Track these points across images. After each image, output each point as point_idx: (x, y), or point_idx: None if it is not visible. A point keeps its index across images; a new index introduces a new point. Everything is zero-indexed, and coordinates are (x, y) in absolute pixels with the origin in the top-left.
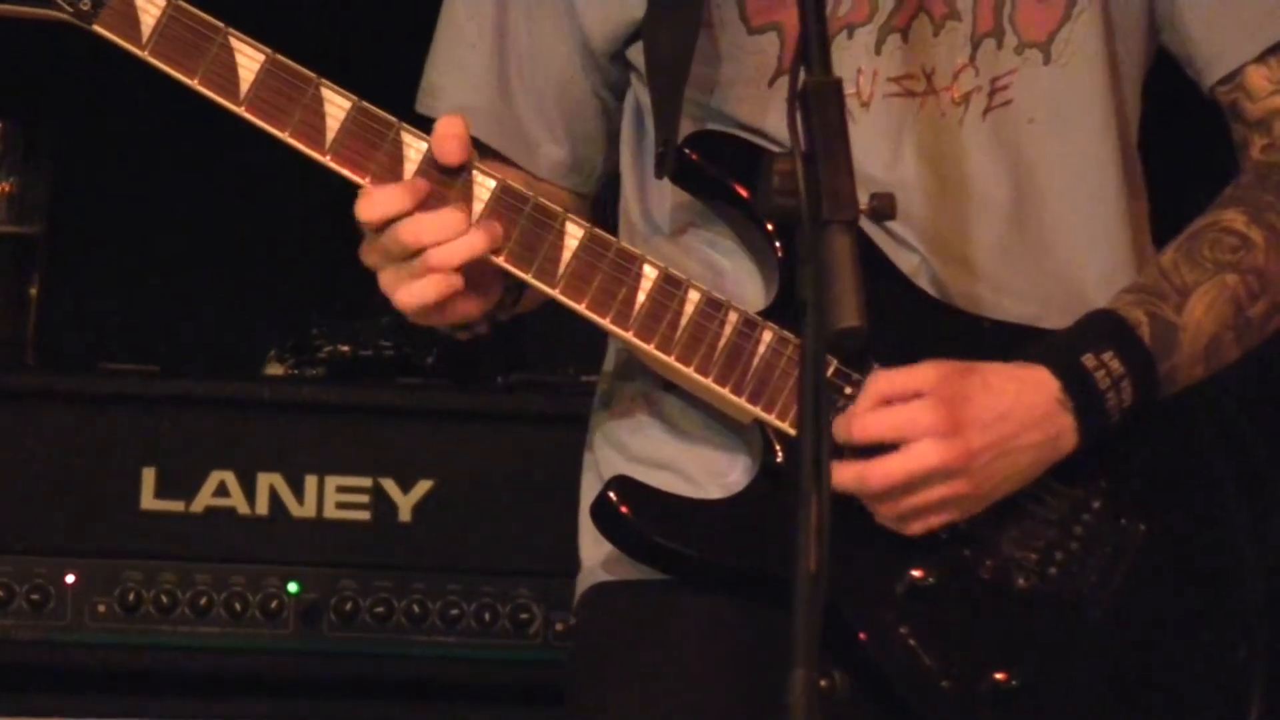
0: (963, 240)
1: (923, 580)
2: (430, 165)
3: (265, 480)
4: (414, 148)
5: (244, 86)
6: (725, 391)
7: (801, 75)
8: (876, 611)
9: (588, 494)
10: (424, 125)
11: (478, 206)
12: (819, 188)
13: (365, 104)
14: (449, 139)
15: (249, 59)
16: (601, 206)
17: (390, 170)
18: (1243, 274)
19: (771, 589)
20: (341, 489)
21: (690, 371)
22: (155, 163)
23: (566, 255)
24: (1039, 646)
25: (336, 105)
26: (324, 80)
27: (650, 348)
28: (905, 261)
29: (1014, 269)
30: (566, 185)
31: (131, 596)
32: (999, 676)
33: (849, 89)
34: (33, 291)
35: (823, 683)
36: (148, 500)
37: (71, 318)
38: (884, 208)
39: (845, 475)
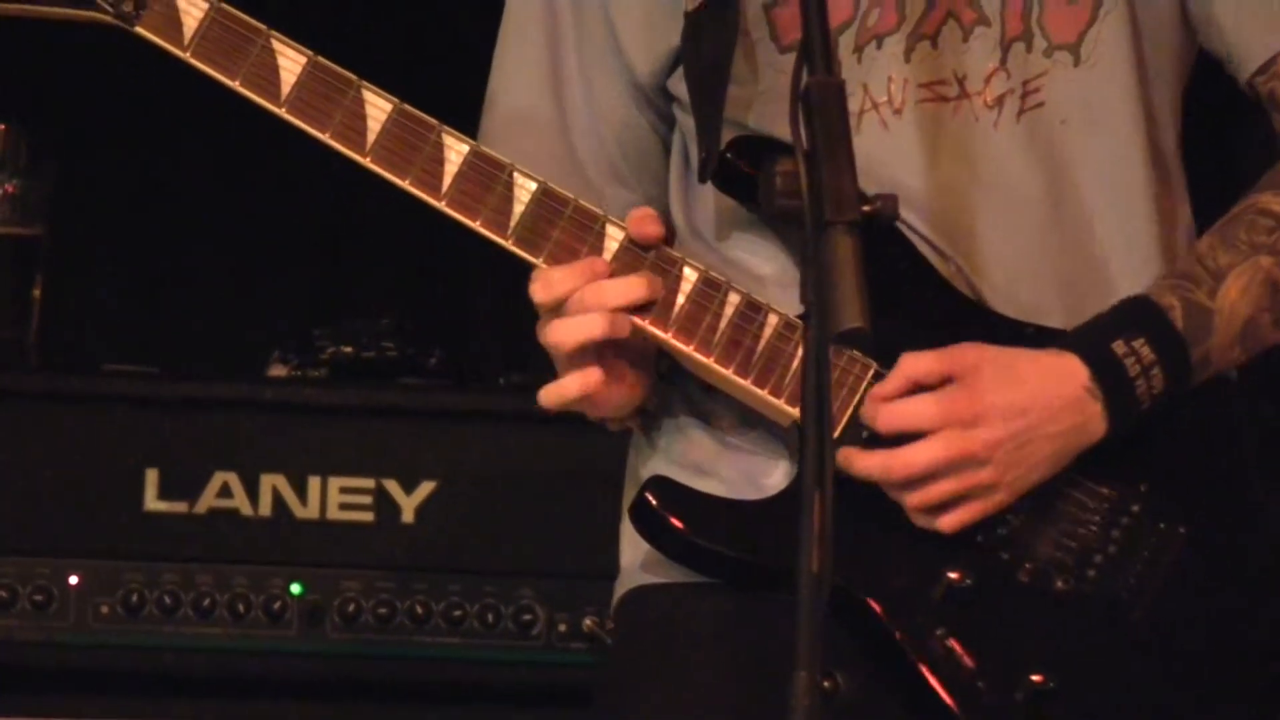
0: (1002, 243)
1: (960, 582)
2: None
3: (268, 481)
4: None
5: (285, 88)
6: (764, 394)
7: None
8: (914, 613)
9: (629, 497)
10: (463, 127)
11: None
12: (821, 189)
13: (406, 106)
14: (649, 219)
15: (291, 61)
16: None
17: (431, 172)
18: (1278, 256)
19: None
20: (344, 490)
21: (729, 374)
22: (158, 165)
23: (606, 258)
24: (1076, 649)
25: (378, 108)
26: (365, 83)
27: (690, 350)
28: (944, 267)
29: (1052, 269)
30: None
31: (134, 598)
32: (1036, 679)
33: (880, 98)
34: (35, 293)
35: (825, 684)
36: (151, 501)
37: (74, 319)
38: (887, 209)
39: (870, 463)
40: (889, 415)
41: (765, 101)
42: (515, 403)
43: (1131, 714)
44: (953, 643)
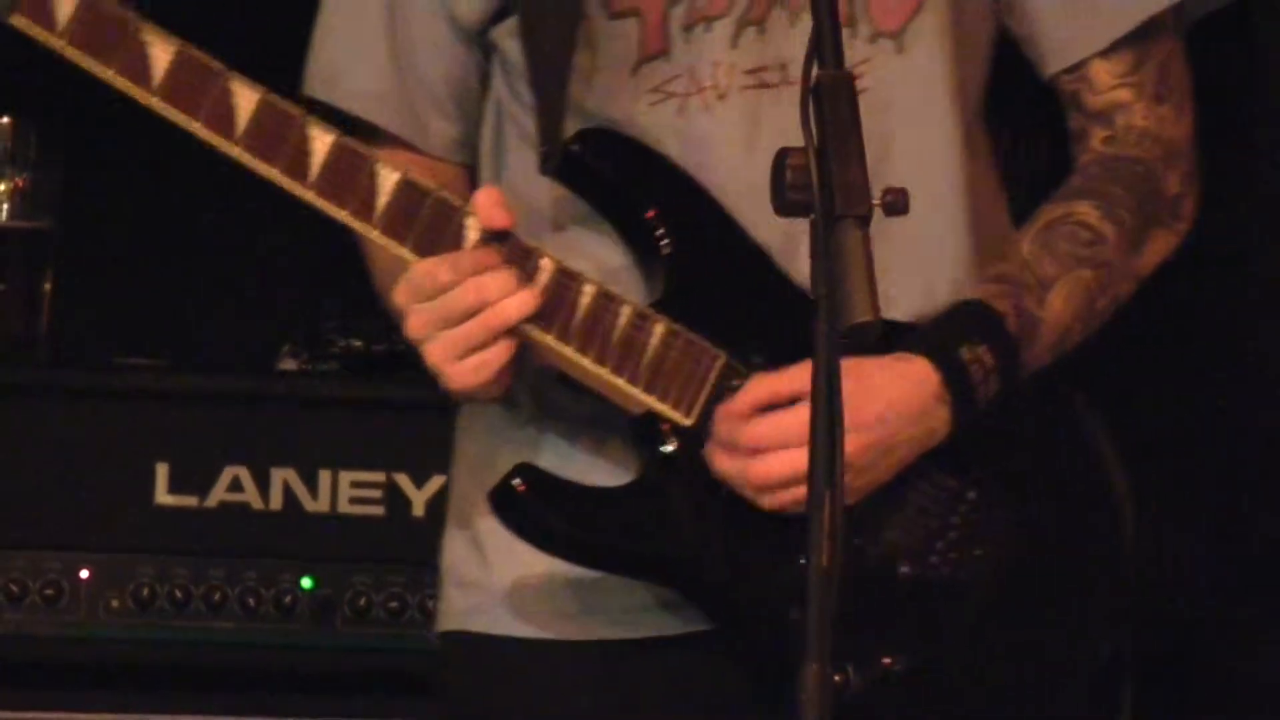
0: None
1: None
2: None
3: (279, 475)
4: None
5: (157, 77)
6: (621, 382)
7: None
8: (767, 596)
9: (466, 486)
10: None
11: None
12: (831, 182)
13: (273, 95)
14: (497, 208)
15: (161, 50)
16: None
17: (298, 161)
18: (1096, 269)
19: (674, 576)
20: (355, 484)
21: (587, 363)
22: (168, 158)
23: (467, 246)
24: (922, 632)
25: (245, 97)
26: (234, 72)
27: (549, 338)
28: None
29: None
30: (458, 160)
31: (145, 592)
32: (885, 660)
33: (706, 82)
34: (46, 287)
35: (836, 678)
36: (161, 495)
37: (85, 313)
38: (897, 202)
39: (729, 466)
40: (751, 433)
41: (596, 72)
42: None
43: (974, 694)
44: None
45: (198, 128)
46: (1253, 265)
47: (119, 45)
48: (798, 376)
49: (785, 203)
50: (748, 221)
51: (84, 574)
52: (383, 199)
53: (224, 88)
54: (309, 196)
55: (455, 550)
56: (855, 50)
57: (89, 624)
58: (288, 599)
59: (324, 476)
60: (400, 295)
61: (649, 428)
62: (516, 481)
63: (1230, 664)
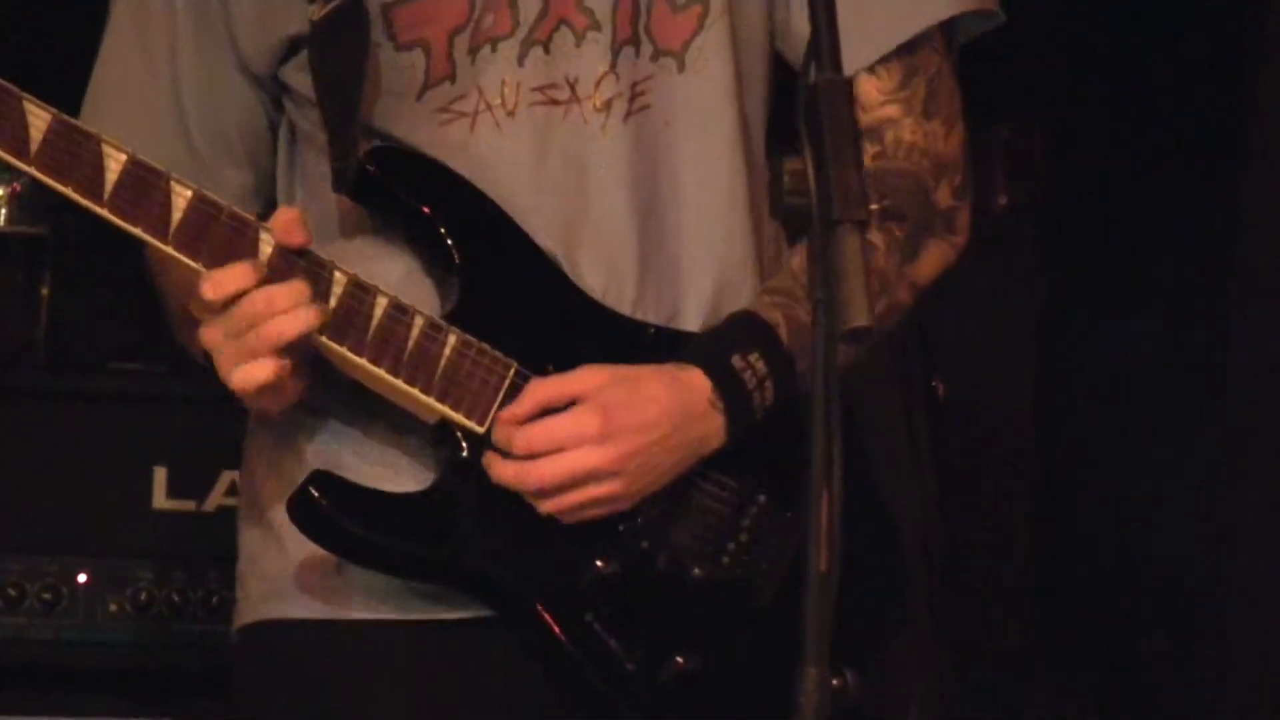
0: (604, 242)
1: (606, 569)
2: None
3: None
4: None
5: None
6: (415, 391)
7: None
8: (564, 600)
9: (264, 494)
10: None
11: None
12: (829, 187)
13: (65, 116)
14: (294, 225)
15: None
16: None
17: (92, 179)
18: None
19: (468, 581)
20: None
21: (381, 373)
22: None
23: (262, 259)
24: (715, 631)
25: (39, 117)
26: (26, 94)
27: (343, 350)
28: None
29: (652, 269)
30: (252, 208)
31: (143, 595)
32: (679, 660)
33: (494, 100)
34: (43, 291)
35: (834, 681)
36: (159, 499)
37: (82, 317)
38: (894, 208)
39: (504, 472)
40: (525, 438)
41: (383, 98)
42: None
43: (765, 691)
44: (599, 626)
45: None
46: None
47: None
48: (573, 379)
49: (783, 207)
50: (536, 233)
51: (82, 578)
52: (177, 215)
53: (18, 110)
54: (104, 214)
55: (253, 544)
56: (639, 67)
57: (87, 628)
58: None
59: None
60: (194, 306)
61: (444, 435)
62: (313, 490)
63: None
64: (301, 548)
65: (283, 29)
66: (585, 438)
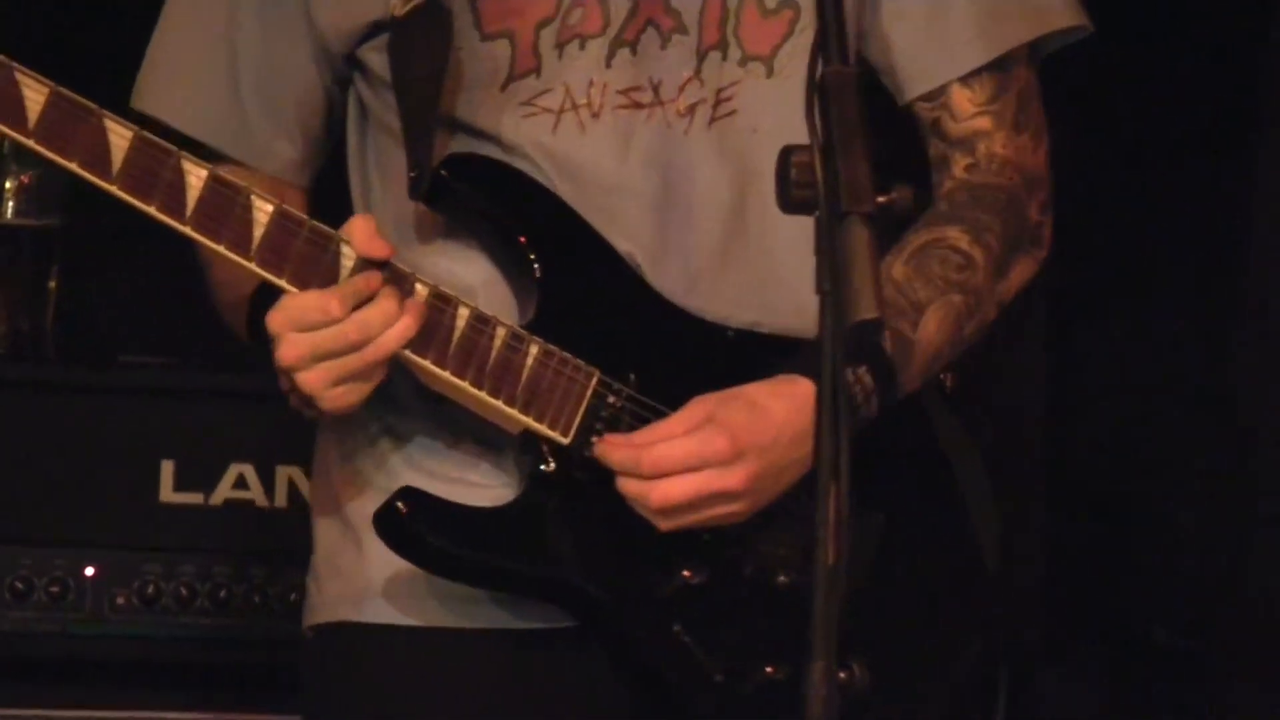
0: (685, 247)
1: (692, 579)
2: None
3: (284, 473)
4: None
5: (32, 118)
6: (498, 403)
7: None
8: (650, 611)
9: (339, 500)
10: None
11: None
12: (837, 179)
13: (146, 133)
14: (374, 237)
15: (34, 91)
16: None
17: (174, 198)
18: (966, 294)
19: (556, 593)
20: None
21: (464, 385)
22: None
23: (343, 276)
24: (801, 638)
25: (120, 135)
26: (107, 112)
27: (426, 363)
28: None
29: (734, 275)
30: (296, 182)
31: (151, 589)
32: (768, 669)
33: (580, 100)
34: (52, 284)
35: (841, 675)
36: (167, 493)
37: (91, 310)
38: (902, 201)
39: (630, 489)
40: (655, 457)
41: (467, 90)
42: None
43: (852, 701)
44: (686, 637)
45: (74, 168)
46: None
47: None
48: (692, 410)
49: (790, 200)
50: (615, 237)
51: (89, 571)
52: (258, 231)
53: (99, 127)
54: (186, 232)
55: (329, 541)
56: (724, 72)
57: (94, 621)
58: (293, 596)
59: None
60: (275, 323)
61: (528, 447)
62: (400, 505)
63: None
64: (379, 549)
65: (364, 15)
66: (716, 458)
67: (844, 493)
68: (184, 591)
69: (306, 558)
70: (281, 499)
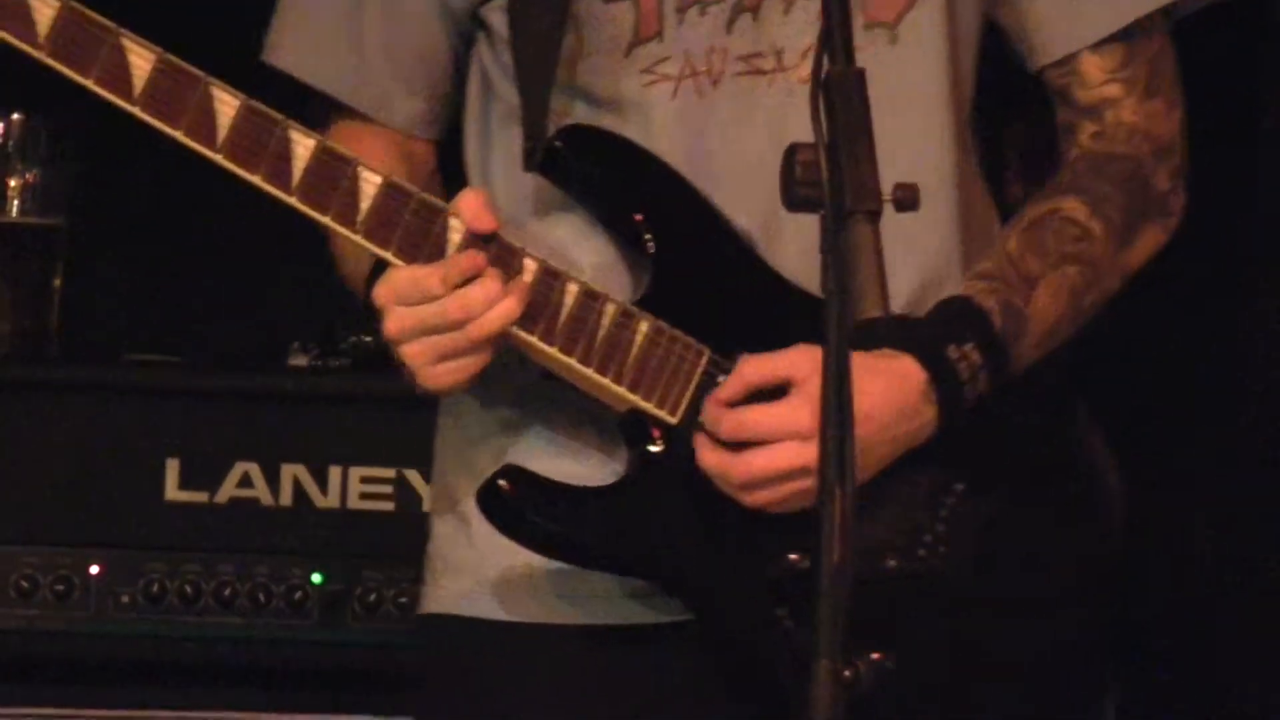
0: (802, 222)
1: (800, 563)
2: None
3: (289, 471)
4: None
5: (137, 86)
6: (606, 381)
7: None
8: (754, 595)
9: (454, 480)
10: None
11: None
12: (841, 178)
13: (253, 101)
14: (483, 211)
15: (141, 58)
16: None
17: (280, 168)
18: (1082, 265)
19: (659, 574)
20: (365, 479)
21: (572, 362)
22: (179, 154)
23: (450, 250)
24: (910, 626)
25: (226, 104)
26: (213, 79)
27: (534, 339)
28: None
29: None
30: (425, 135)
31: (155, 587)
32: (874, 656)
33: (700, 67)
34: (56, 282)
35: (845, 673)
36: (171, 491)
37: (95, 309)
38: (907, 198)
39: (709, 460)
40: (731, 424)
41: (587, 55)
42: None
43: (961, 688)
44: (792, 623)
45: (179, 135)
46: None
47: (98, 55)
48: (784, 361)
49: (795, 198)
50: (733, 209)
51: (94, 570)
52: (365, 203)
53: (204, 94)
54: (292, 202)
55: (442, 532)
56: None
57: (99, 620)
58: (298, 595)
59: (334, 472)
60: (381, 295)
61: (635, 426)
62: (502, 482)
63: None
64: (490, 541)
65: None
66: (797, 432)
67: (849, 493)
68: (189, 590)
69: (309, 556)
70: (286, 498)
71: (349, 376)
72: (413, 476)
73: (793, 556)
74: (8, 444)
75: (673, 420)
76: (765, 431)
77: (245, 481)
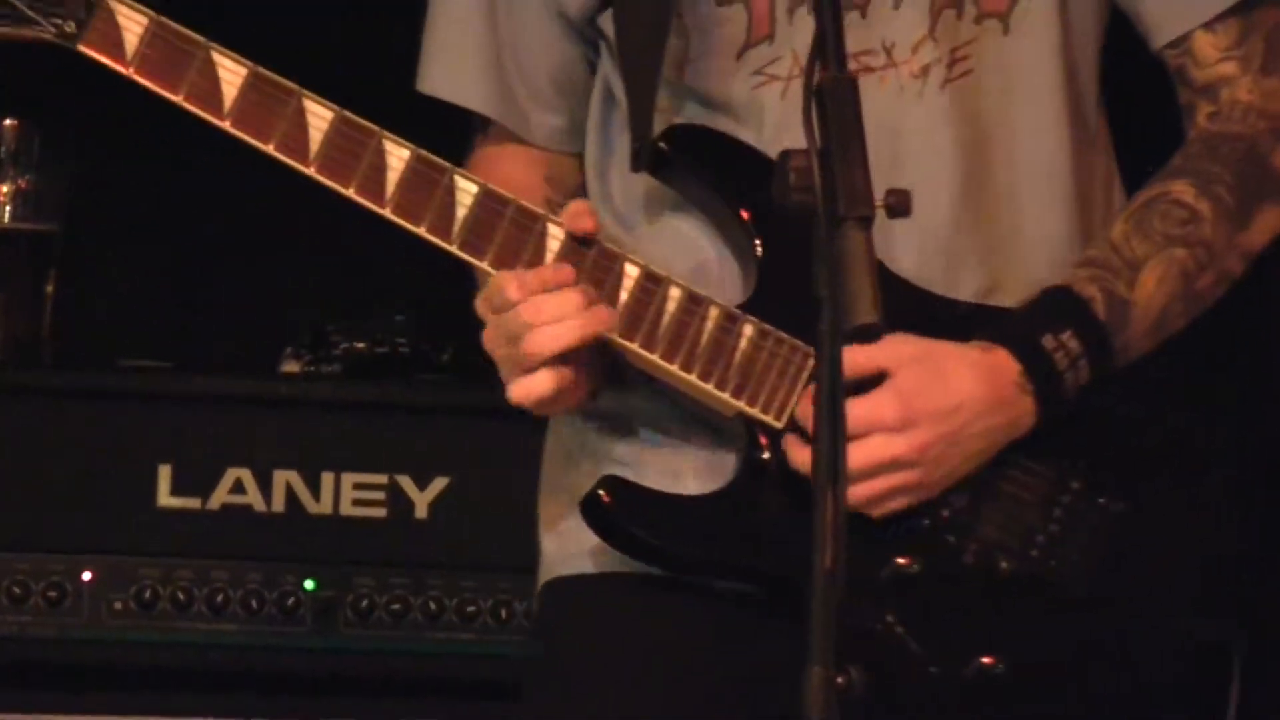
0: (919, 215)
1: (908, 567)
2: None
3: (281, 477)
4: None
5: (228, 101)
6: (709, 387)
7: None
8: (862, 600)
9: (559, 481)
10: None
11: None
12: (835, 184)
13: (347, 113)
14: (582, 214)
15: (231, 73)
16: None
17: (374, 180)
18: (1191, 247)
19: (763, 583)
20: (358, 486)
21: (674, 369)
22: (172, 160)
23: (549, 259)
24: (1023, 628)
25: (319, 116)
26: (306, 91)
27: (635, 347)
28: None
29: (967, 240)
30: (566, 149)
31: (148, 594)
32: (986, 660)
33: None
34: (49, 289)
35: (838, 679)
36: (164, 497)
37: (88, 315)
38: (900, 204)
39: (797, 460)
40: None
41: (698, 58)
42: None
43: (1076, 690)
44: (901, 628)
45: (271, 151)
46: None
47: (188, 70)
48: (878, 351)
49: (788, 204)
50: None
51: (86, 576)
52: (461, 211)
53: (297, 108)
54: (386, 214)
55: (552, 511)
56: (960, 31)
57: (91, 626)
58: (290, 601)
59: (326, 478)
60: (479, 307)
61: (743, 432)
62: (602, 493)
63: None
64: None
65: None
66: (883, 424)
67: (842, 496)
68: (181, 596)
69: (302, 562)
70: (279, 503)
71: (341, 383)
72: (405, 483)
73: (900, 560)
74: (0, 450)
75: (779, 425)
76: (850, 426)
77: (237, 488)
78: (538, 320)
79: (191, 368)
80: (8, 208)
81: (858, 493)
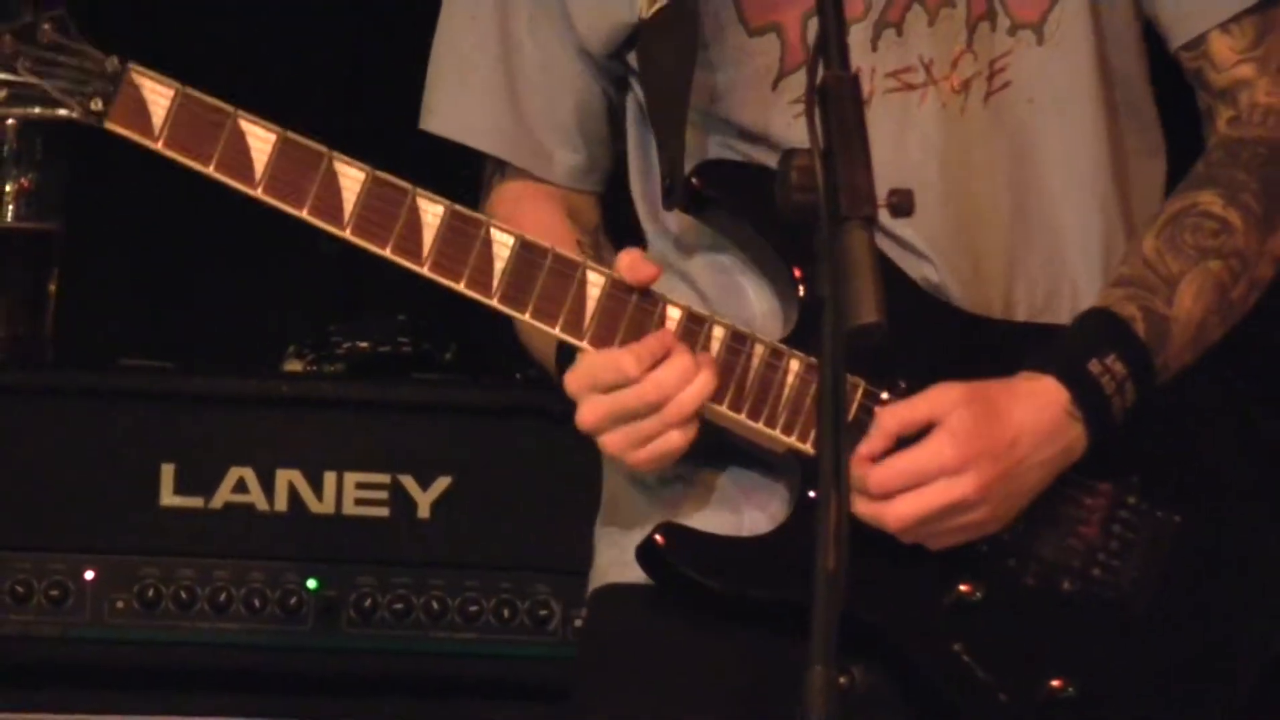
0: (971, 234)
1: (970, 594)
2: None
3: (284, 476)
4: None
5: (259, 168)
6: (759, 425)
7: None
8: (927, 631)
9: (620, 503)
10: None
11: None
12: (837, 184)
13: (379, 173)
14: (639, 262)
15: (261, 140)
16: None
17: (410, 238)
18: (1225, 258)
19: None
20: (360, 485)
21: (722, 409)
22: (173, 159)
23: (591, 306)
24: (1089, 648)
25: (351, 178)
26: (336, 153)
27: None
28: (914, 267)
29: (1020, 255)
30: (584, 187)
31: (150, 593)
32: (1055, 684)
33: None
34: (51, 288)
35: (840, 679)
36: (166, 497)
37: (90, 314)
38: (902, 204)
39: (863, 511)
40: (878, 478)
41: (732, 90)
42: (531, 398)
43: (1145, 707)
44: (968, 657)
45: (305, 216)
46: None
47: (217, 140)
48: (924, 402)
49: (790, 204)
50: (891, 228)
51: (89, 575)
52: (499, 265)
53: (328, 170)
54: (423, 272)
55: (609, 532)
56: (995, 43)
57: (94, 625)
58: (293, 600)
59: (329, 478)
60: (572, 383)
61: (795, 468)
62: (658, 538)
63: None
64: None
65: (615, 17)
66: (943, 470)
67: (844, 499)
68: (183, 595)
69: (304, 561)
70: (281, 503)
71: (344, 382)
72: (408, 482)
73: (963, 588)
74: (2, 450)
75: None
76: (912, 476)
77: (240, 487)
78: (665, 393)
79: (194, 367)
80: (10, 207)
81: (924, 536)
